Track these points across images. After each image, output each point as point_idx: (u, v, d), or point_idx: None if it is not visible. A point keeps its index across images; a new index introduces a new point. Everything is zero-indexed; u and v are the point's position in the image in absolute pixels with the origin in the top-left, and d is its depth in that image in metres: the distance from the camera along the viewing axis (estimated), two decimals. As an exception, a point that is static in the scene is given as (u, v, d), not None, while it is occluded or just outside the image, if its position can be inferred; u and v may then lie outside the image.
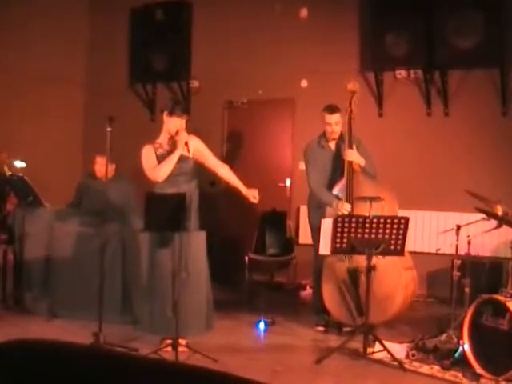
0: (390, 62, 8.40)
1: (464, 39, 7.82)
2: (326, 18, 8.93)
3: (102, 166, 6.87)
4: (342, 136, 6.61)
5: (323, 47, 8.89)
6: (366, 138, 6.64)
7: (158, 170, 5.87)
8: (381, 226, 5.56)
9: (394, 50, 8.26)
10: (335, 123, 6.55)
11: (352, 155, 6.39)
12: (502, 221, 5.72)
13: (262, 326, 6.69)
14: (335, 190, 6.46)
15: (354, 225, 5.56)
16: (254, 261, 8.39)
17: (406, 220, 5.56)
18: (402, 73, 8.48)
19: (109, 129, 5.69)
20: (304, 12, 9.16)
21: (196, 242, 6.00)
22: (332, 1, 8.89)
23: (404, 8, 8.13)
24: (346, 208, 6.24)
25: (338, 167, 6.54)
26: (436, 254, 7.11)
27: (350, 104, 6.50)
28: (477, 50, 7.81)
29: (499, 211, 5.69)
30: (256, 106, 9.49)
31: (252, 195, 6.03)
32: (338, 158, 6.58)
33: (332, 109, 6.53)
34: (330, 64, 8.77)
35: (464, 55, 7.89)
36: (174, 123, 5.92)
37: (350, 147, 6.43)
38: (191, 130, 6.12)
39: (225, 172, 6.18)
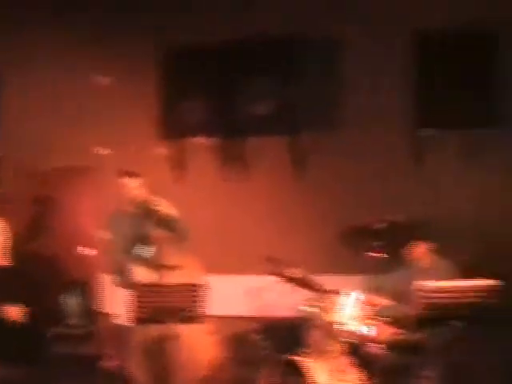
0: (189, 129, 8.53)
1: (260, 106, 8.11)
2: (124, 86, 8.92)
3: None
4: (145, 202, 6.60)
5: (122, 115, 8.88)
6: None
7: None
8: (180, 293, 5.56)
9: (192, 117, 8.40)
10: (125, 187, 6.56)
11: (164, 205, 6.38)
12: (298, 283, 5.94)
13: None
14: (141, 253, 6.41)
15: (154, 294, 5.53)
16: (55, 333, 8.10)
17: (205, 287, 5.61)
18: (200, 139, 8.63)
19: None
20: (103, 79, 9.14)
21: None
22: (131, 69, 8.94)
23: (200, 74, 8.32)
24: (141, 277, 6.21)
25: (141, 233, 6.51)
26: (238, 317, 7.20)
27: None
28: (272, 117, 8.12)
29: (295, 273, 5.92)
30: (60, 174, 9.25)
31: None
32: (141, 224, 6.55)
33: (121, 173, 6.58)
34: (131, 132, 8.77)
35: (260, 122, 8.17)
36: None
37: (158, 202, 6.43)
38: None
39: None
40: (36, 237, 5.54)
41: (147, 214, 6.52)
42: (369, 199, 7.90)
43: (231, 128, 8.34)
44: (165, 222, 6.45)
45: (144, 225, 6.53)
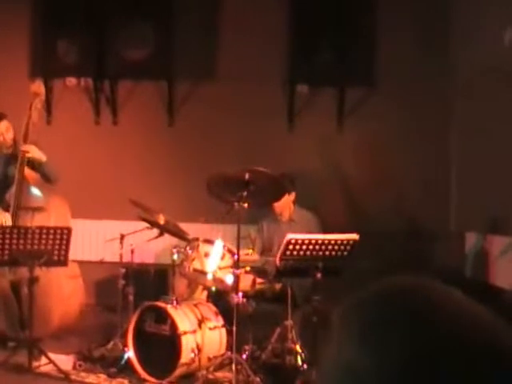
0: (61, 69, 8.28)
1: (134, 50, 7.98)
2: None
3: None
4: (16, 142, 6.40)
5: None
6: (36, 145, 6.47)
7: None
8: (43, 236, 5.45)
9: (65, 58, 8.15)
10: (1, 130, 6.33)
11: (32, 150, 6.19)
12: (164, 229, 5.94)
13: None
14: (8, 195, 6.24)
15: (15, 236, 5.40)
16: None
17: (69, 230, 5.53)
18: (72, 81, 8.43)
19: None
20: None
21: None
22: (4, 2, 8.55)
23: (77, 17, 8.07)
24: (1, 220, 6.06)
25: (8, 175, 6.32)
26: (102, 262, 7.15)
27: (31, 107, 6.28)
28: (146, 62, 8.00)
29: (161, 220, 5.92)
30: None
31: None
32: (10, 165, 6.34)
33: None
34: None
35: (133, 66, 8.05)
36: None
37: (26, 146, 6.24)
38: None
39: None
40: None
41: (14, 156, 6.32)
42: (239, 150, 7.96)
43: (104, 70, 8.16)
44: (33, 165, 6.28)
45: (9, 166, 6.34)
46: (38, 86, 6.38)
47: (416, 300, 0.93)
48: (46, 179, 6.38)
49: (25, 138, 6.24)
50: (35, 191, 6.26)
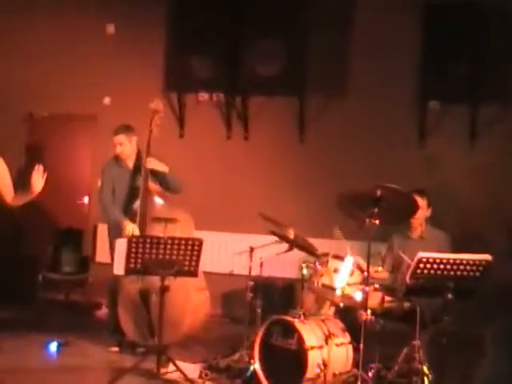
0: (194, 84, 8.49)
1: (266, 66, 8.08)
2: (132, 36, 8.88)
3: None
4: (140, 156, 6.61)
5: (129, 65, 8.84)
6: (166, 158, 6.63)
7: None
8: (175, 247, 5.55)
9: (197, 73, 8.35)
10: (119, 143, 6.57)
11: (152, 162, 6.39)
12: (294, 243, 5.96)
13: (53, 346, 6.48)
14: (135, 206, 6.43)
15: (148, 245, 5.52)
16: (48, 279, 8.15)
17: (200, 241, 5.60)
18: (204, 95, 8.61)
19: None
20: (111, 28, 9.07)
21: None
22: (140, 18, 8.85)
23: (210, 32, 8.26)
24: (129, 230, 6.23)
25: (135, 186, 6.52)
26: (230, 274, 7.24)
27: (151, 123, 6.50)
28: (278, 78, 8.09)
29: (291, 234, 5.94)
30: (57, 121, 9.25)
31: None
32: (135, 178, 6.57)
33: (115, 130, 6.59)
34: (134, 82, 8.74)
35: (265, 82, 8.14)
36: None
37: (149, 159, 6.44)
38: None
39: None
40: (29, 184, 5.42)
41: (138, 168, 6.53)
42: (370, 167, 7.91)
43: (236, 85, 8.29)
44: (155, 177, 6.46)
45: (135, 178, 6.54)
46: (157, 104, 6.57)
47: None
48: (170, 189, 6.54)
49: (147, 151, 6.44)
50: (159, 201, 6.42)
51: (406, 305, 5.63)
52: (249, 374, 5.55)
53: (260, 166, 8.48)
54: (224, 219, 8.40)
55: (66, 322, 7.45)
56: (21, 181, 5.84)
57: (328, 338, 5.34)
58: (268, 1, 8.27)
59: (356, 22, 8.32)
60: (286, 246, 6.05)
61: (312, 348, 5.21)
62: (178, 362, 5.69)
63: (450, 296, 4.99)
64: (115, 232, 6.34)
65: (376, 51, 8.15)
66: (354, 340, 5.42)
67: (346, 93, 8.27)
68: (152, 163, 6.39)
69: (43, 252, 8.49)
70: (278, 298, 7.03)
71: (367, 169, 7.86)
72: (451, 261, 4.98)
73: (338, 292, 5.38)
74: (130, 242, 5.54)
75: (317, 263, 5.59)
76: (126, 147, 6.60)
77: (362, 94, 8.16)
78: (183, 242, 5.58)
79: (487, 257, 5.07)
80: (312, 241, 6.21)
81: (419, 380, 5.31)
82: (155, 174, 6.48)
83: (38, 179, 5.31)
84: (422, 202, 5.75)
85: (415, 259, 4.95)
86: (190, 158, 8.54)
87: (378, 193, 5.11)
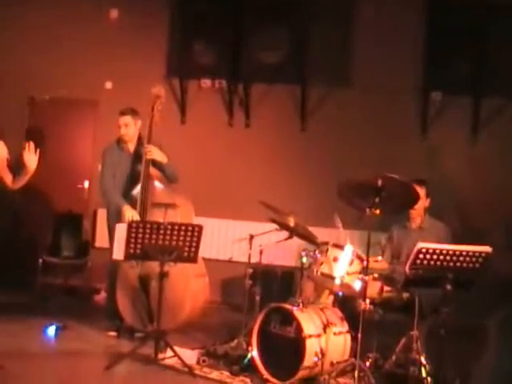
0: (196, 70, 8.48)
1: (269, 54, 8.07)
2: (135, 21, 8.86)
3: None
4: (141, 140, 6.61)
5: (131, 50, 8.81)
6: (168, 144, 6.63)
7: None
8: (175, 232, 5.55)
9: (200, 59, 8.34)
10: (124, 124, 6.55)
11: (152, 153, 6.38)
12: (294, 232, 5.96)
13: (52, 330, 6.49)
14: (135, 191, 6.43)
15: (148, 231, 5.52)
16: (47, 263, 8.16)
17: (200, 228, 5.60)
18: (206, 82, 8.60)
19: None
20: (114, 13, 9.05)
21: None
22: (143, 4, 8.83)
23: (214, 19, 8.24)
24: (128, 215, 6.23)
25: (136, 171, 6.51)
26: (230, 261, 7.25)
27: (153, 109, 6.49)
28: (280, 66, 8.08)
29: (291, 222, 5.94)
30: (58, 104, 9.23)
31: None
32: (136, 162, 6.56)
33: (122, 111, 6.57)
34: (136, 67, 8.72)
35: (267, 69, 8.13)
36: None
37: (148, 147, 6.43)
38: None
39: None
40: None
41: (139, 153, 6.52)
42: (371, 156, 7.90)
43: (238, 72, 8.28)
44: (154, 165, 6.45)
45: (136, 163, 6.54)
46: (159, 89, 6.56)
47: None
48: (166, 178, 6.54)
49: (148, 137, 6.44)
50: (159, 185, 6.42)
51: (405, 295, 5.64)
52: (246, 361, 5.55)
53: (261, 154, 8.48)
54: (224, 206, 8.41)
55: (64, 307, 7.45)
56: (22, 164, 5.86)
57: (326, 326, 5.36)
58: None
59: (359, 11, 8.31)
60: (285, 233, 6.05)
61: (310, 336, 5.22)
62: (176, 348, 5.70)
63: (448, 287, 4.99)
64: (115, 217, 6.34)
65: (379, 41, 8.13)
66: (353, 329, 5.43)
67: (348, 82, 8.26)
68: (152, 153, 6.38)
69: (43, 236, 8.49)
70: (277, 286, 7.04)
71: (368, 158, 7.85)
72: (451, 252, 4.98)
73: (338, 281, 5.38)
74: (129, 227, 5.54)
75: (316, 252, 5.58)
76: (131, 129, 6.58)
77: (364, 83, 8.15)
78: (183, 227, 5.58)
79: (487, 248, 5.07)
80: (312, 229, 6.21)
81: (417, 370, 5.32)
82: (153, 163, 6.47)
83: (30, 157, 5.30)
84: (421, 191, 5.74)
85: (415, 249, 4.95)
86: (192, 145, 8.54)
87: (379, 182, 5.11)
